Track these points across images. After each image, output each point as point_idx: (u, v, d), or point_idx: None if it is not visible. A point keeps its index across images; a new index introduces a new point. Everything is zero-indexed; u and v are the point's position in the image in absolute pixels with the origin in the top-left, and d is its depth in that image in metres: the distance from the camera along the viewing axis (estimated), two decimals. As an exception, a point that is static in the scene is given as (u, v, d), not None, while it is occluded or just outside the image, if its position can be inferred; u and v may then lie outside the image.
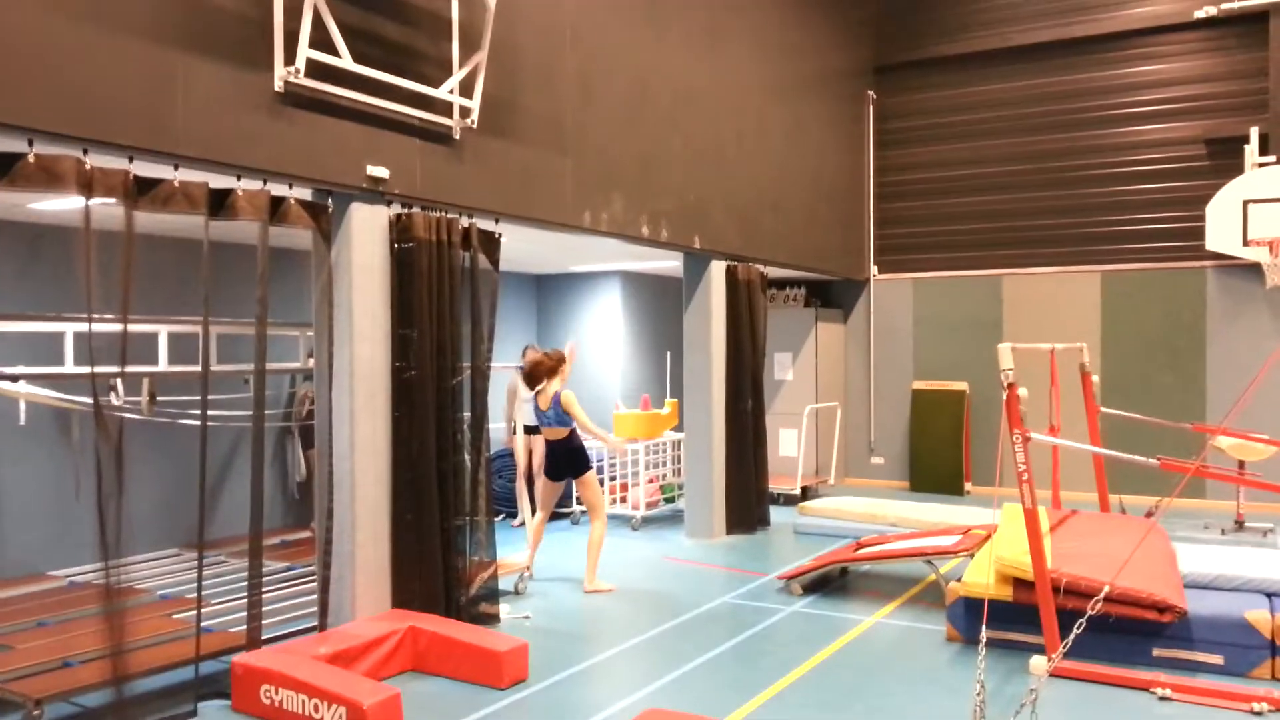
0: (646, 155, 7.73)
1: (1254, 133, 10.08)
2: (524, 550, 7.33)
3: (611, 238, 7.54)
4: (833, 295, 12.38)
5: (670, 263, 9.79)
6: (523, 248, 9.17)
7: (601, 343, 12.01)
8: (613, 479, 9.58)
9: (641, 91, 7.67)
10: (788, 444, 11.24)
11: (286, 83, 4.83)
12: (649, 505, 9.34)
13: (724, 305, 8.95)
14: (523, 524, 8.90)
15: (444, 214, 5.78)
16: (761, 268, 9.52)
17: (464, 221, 5.95)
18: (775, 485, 10.28)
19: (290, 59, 4.82)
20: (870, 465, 12.15)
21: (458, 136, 5.86)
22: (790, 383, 11.57)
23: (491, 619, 5.93)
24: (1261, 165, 9.95)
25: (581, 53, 6.96)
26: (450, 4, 5.76)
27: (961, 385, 11.41)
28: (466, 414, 5.93)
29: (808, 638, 5.78)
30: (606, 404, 11.09)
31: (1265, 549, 7.22)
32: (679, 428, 9.53)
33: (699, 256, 8.73)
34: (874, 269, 12.19)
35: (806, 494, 10.60)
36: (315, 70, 4.94)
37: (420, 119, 5.59)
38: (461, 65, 5.80)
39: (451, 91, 5.73)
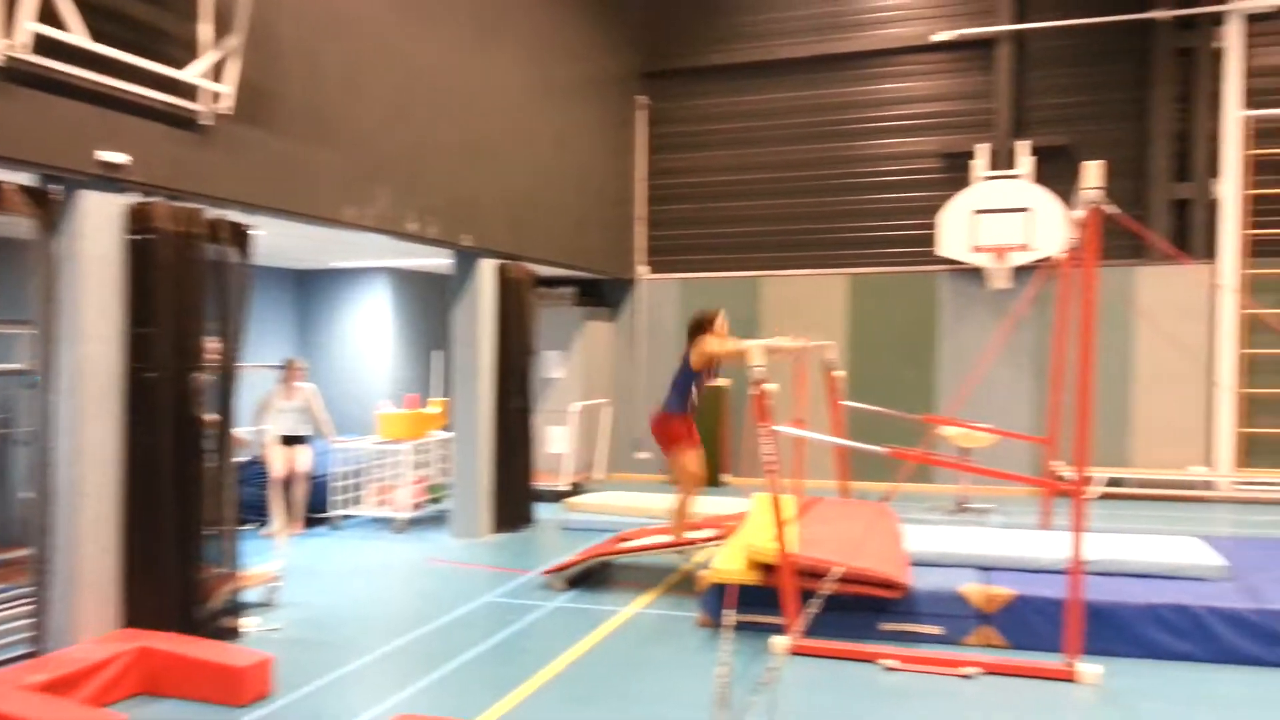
0: (415, 150, 7.59)
1: (981, 149, 11.08)
2: (274, 559, 7.02)
3: (377, 233, 7.35)
4: (603, 294, 12.59)
5: (440, 260, 9.66)
6: (282, 242, 8.81)
7: (368, 341, 11.68)
8: (375, 481, 9.33)
9: (410, 85, 7.52)
10: (557, 441, 11.33)
11: (7, 57, 4.42)
12: (414, 507, 9.16)
13: (493, 303, 8.92)
14: (273, 534, 8.53)
15: (190, 204, 5.44)
16: (532, 266, 9.55)
17: (212, 213, 5.62)
18: (544, 482, 10.34)
19: (10, 30, 4.40)
20: (636, 460, 12.43)
21: (209, 123, 5.54)
22: (560, 381, 11.67)
23: (235, 633, 5.64)
24: (988, 179, 10.95)
25: (347, 42, 6.75)
26: (199, -19, 5.44)
27: (723, 381, 11.88)
28: (211, 417, 5.61)
29: (568, 632, 5.86)
30: (371, 403, 10.80)
31: (982, 527, 7.96)
32: (447, 427, 9.42)
33: (468, 254, 8.66)
34: (643, 269, 12.49)
35: (575, 490, 10.72)
36: (44, 46, 4.55)
37: (165, 103, 5.25)
38: (215, 48, 5.49)
39: (203, 75, 5.40)
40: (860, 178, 11.80)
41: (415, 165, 7.59)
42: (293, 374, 8.91)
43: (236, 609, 5.72)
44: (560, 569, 6.98)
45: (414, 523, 9.22)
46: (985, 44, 11.27)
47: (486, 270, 8.81)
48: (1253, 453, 10.45)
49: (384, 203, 7.18)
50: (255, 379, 8.99)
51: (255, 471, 8.87)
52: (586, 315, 11.79)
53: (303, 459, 8.82)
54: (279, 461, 8.63)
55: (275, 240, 8.51)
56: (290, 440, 8.82)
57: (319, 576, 7.28)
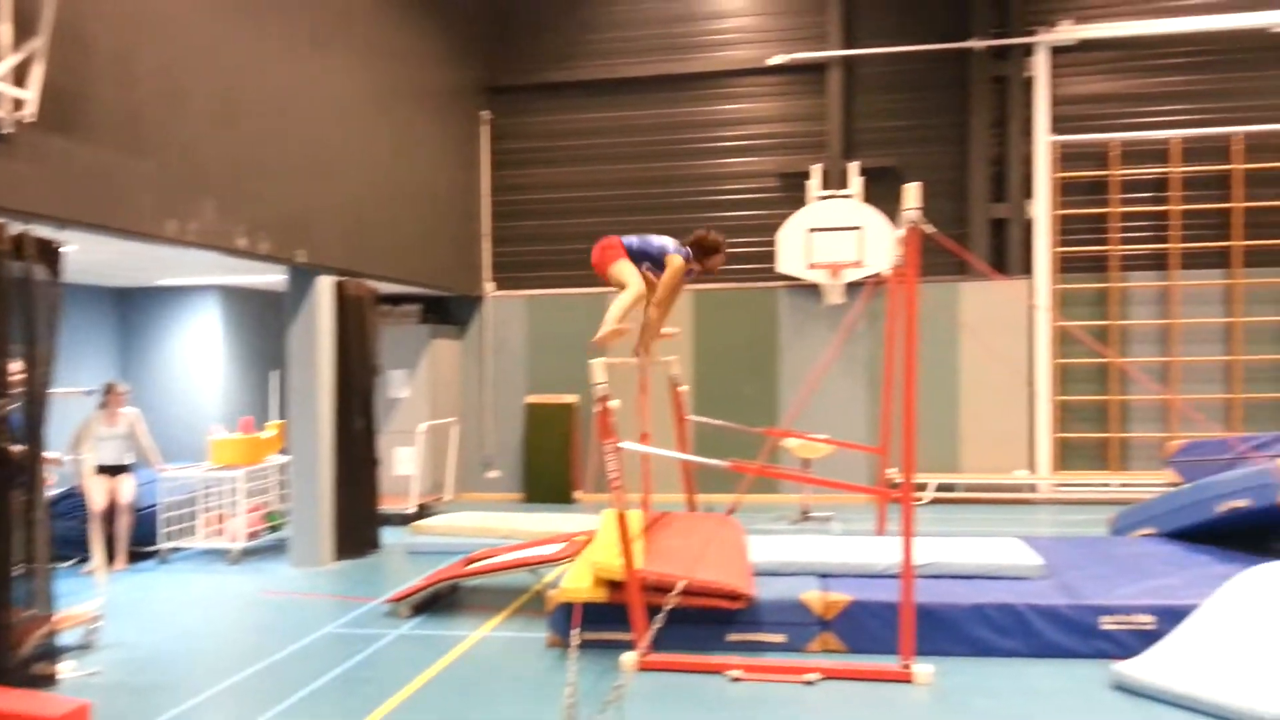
0: (244, 161, 7.27)
1: (815, 169, 11.49)
2: (94, 598, 6.58)
3: (203, 249, 6.99)
4: (449, 311, 12.40)
5: (274, 276, 9.30)
6: (99, 258, 8.30)
7: (198, 363, 11.13)
8: (207, 510, 8.88)
9: (237, 91, 7.20)
10: (403, 462, 11.07)
11: None
12: (250, 536, 8.76)
13: (332, 322, 8.64)
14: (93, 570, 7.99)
15: (-12, 219, 5.05)
16: (372, 283, 9.31)
17: (15, 228, 5.24)
18: (390, 505, 10.09)
19: None
20: (487, 480, 12.29)
21: (10, 131, 5.15)
22: (405, 400, 11.42)
23: (48, 681, 5.24)
24: (821, 198, 11.36)
25: (166, 47, 6.40)
26: (-4, -20, 5.06)
27: (572, 398, 11.90)
28: (18, 447, 5.22)
29: (414, 659, 5.70)
30: (202, 428, 10.27)
31: (822, 536, 8.22)
32: (284, 451, 9.06)
33: (304, 270, 8.36)
34: (490, 286, 12.37)
35: (422, 512, 10.49)
36: None
37: (-46, 109, 4.86)
38: (17, 51, 5.11)
39: (2, 80, 5.02)
40: (702, 196, 12.05)
41: (244, 177, 7.28)
42: (114, 399, 8.40)
43: (52, 654, 5.32)
44: (405, 595, 6.80)
45: (250, 553, 8.81)
46: (818, 68, 11.71)
47: (324, 287, 8.53)
48: (1068, 456, 11.18)
49: (210, 216, 6.84)
50: (71, 405, 8.43)
51: (73, 504, 8.31)
52: (432, 333, 11.58)
53: (125, 489, 8.32)
54: (99, 493, 8.11)
55: (91, 257, 8.01)
56: (111, 470, 8.31)
57: (145, 615, 6.86)
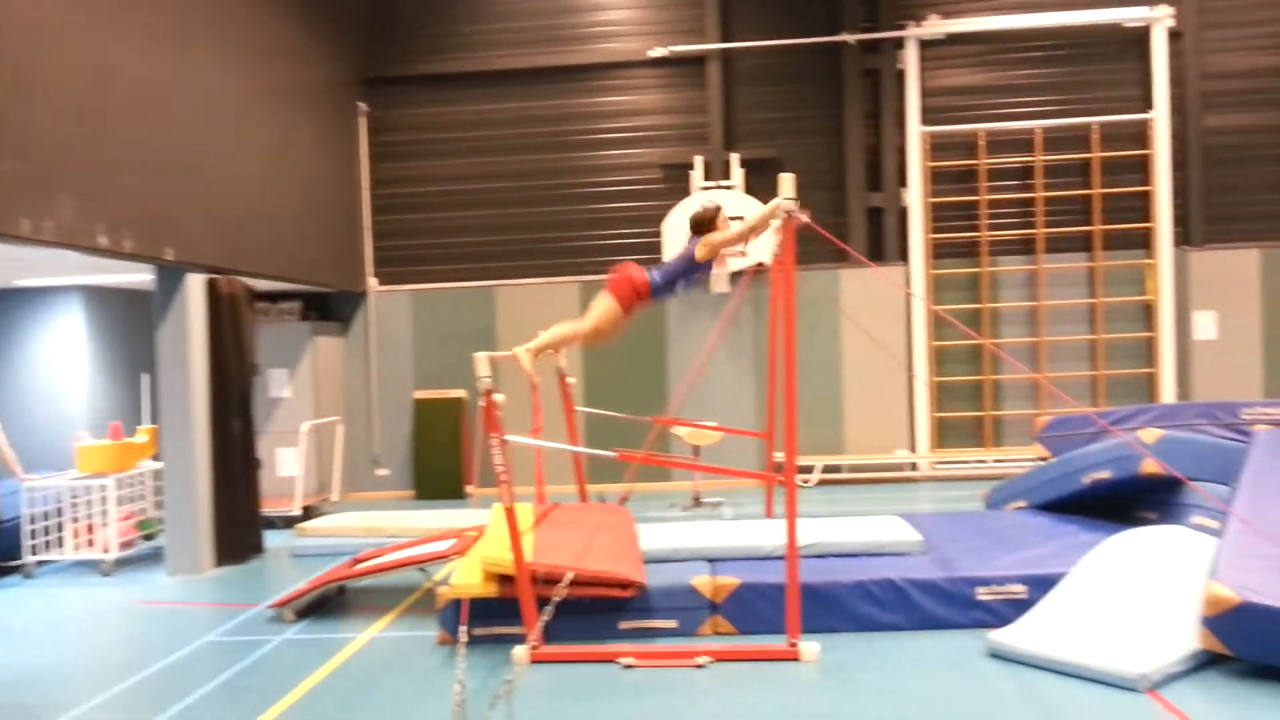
0: (104, 156, 6.90)
1: (698, 161, 11.60)
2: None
3: (61, 248, 6.63)
4: (331, 308, 12.09)
5: (141, 276, 8.91)
6: (-55, 260, 7.81)
7: (61, 366, 10.59)
8: (75, 520, 8.46)
9: (97, 83, 6.83)
10: (286, 464, 10.76)
11: None
12: (123, 546, 8.40)
13: (204, 321, 8.33)
14: None
15: None
16: (248, 280, 9.01)
17: None
18: (273, 508, 9.80)
19: None
20: (375, 478, 12.06)
21: None
22: (288, 400, 11.10)
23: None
24: (704, 189, 11.48)
25: (14, 35, 6.02)
26: None
27: (460, 393, 11.76)
28: None
29: (299, 664, 5.56)
30: (68, 435, 9.79)
31: (714, 521, 8.34)
32: (157, 456, 8.70)
33: (173, 269, 8.03)
34: (372, 281, 12.12)
35: (309, 514, 10.23)
36: None
37: None
38: None
39: None
40: (587, 187, 12.03)
41: (106, 173, 6.92)
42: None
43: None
44: (290, 599, 6.62)
45: (124, 563, 8.45)
46: (698, 61, 11.81)
47: (194, 285, 8.21)
48: (946, 435, 11.60)
49: (68, 214, 6.50)
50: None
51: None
52: (314, 330, 11.27)
53: (-18, 502, 7.88)
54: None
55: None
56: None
57: (10, 632, 6.53)
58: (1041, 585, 5.49)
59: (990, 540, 6.39)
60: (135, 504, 8.91)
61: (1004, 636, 5.11)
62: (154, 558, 8.60)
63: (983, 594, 5.62)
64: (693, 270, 6.22)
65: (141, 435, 8.97)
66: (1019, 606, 5.49)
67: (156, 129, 7.56)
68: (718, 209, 6.30)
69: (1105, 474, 6.65)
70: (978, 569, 5.77)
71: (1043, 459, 7.99)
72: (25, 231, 6.12)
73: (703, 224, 6.27)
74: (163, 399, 8.18)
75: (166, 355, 8.16)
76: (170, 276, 8.11)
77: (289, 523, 9.77)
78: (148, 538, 8.82)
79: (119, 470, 8.52)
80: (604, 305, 6.25)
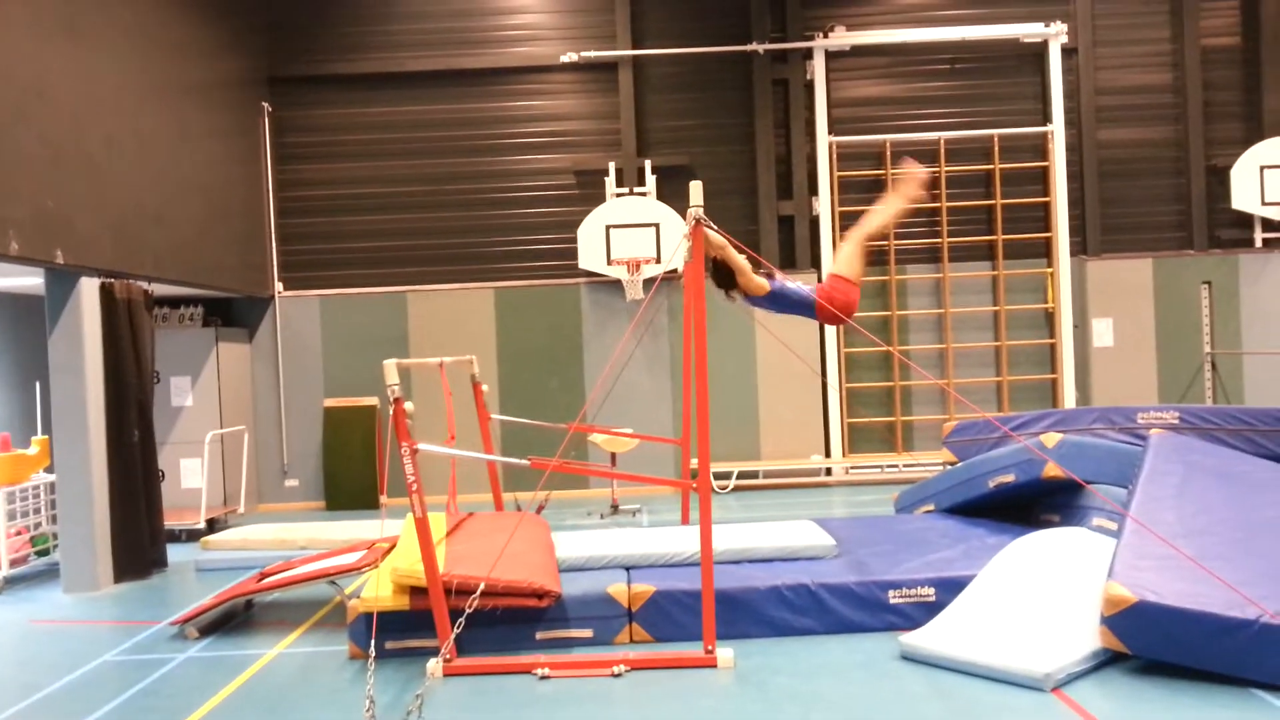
0: (-12, 154, 6.61)
1: (611, 166, 11.62)
2: None
3: (-61, 251, 6.33)
4: (235, 314, 11.75)
5: (31, 279, 8.53)
6: None
7: (-54, 375, 10.08)
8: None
9: (-23, 79, 6.54)
10: (190, 475, 10.44)
11: None
12: (15, 563, 8.02)
13: (99, 327, 8.01)
14: None
15: None
16: (145, 284, 8.69)
17: None
18: (176, 521, 9.48)
19: None
20: (285, 489, 11.76)
21: None
22: (190, 408, 10.75)
23: None
24: (618, 195, 11.50)
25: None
26: None
27: (372, 400, 11.54)
28: None
29: (204, 683, 5.37)
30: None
31: (631, 528, 8.33)
32: (51, 468, 8.33)
33: (64, 273, 7.70)
34: (279, 285, 11.82)
35: (214, 526, 9.92)
36: None
37: None
38: None
39: None
40: (500, 193, 11.95)
41: (-10, 171, 6.62)
42: None
43: None
44: (194, 615, 6.40)
45: (15, 580, 8.07)
46: (610, 67, 11.84)
47: (88, 290, 7.89)
48: (858, 440, 11.82)
49: (-50, 216, 6.19)
50: None
51: None
52: (218, 336, 10.94)
53: None
54: None
55: None
56: None
57: (-115, 657, 6.16)
58: (950, 588, 5.62)
59: (901, 544, 6.52)
60: (28, 518, 8.51)
61: (915, 639, 5.21)
62: (49, 574, 8.23)
63: (894, 597, 5.72)
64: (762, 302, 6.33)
65: (34, 446, 8.57)
66: (929, 609, 5.61)
67: (45, 127, 7.24)
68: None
69: (1009, 478, 6.84)
70: (889, 572, 5.87)
71: (950, 463, 8.19)
72: (-98, 233, 5.80)
73: (729, 275, 6.23)
74: (56, 408, 7.84)
75: (59, 363, 7.82)
76: (62, 280, 7.78)
77: (193, 536, 9.48)
78: (41, 553, 8.44)
79: (10, 483, 8.14)
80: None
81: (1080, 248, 11.87)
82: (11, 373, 10.63)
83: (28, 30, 7.11)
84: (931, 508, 7.63)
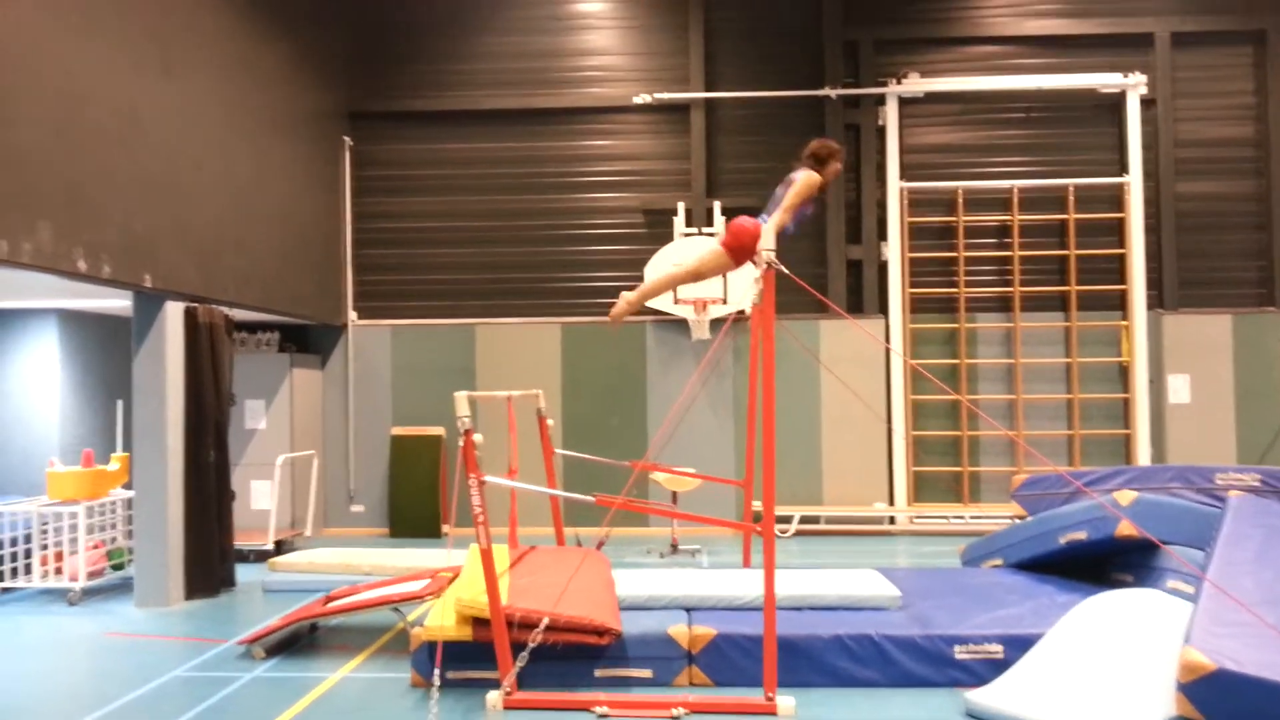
0: (83, 179, 6.87)
1: (680, 207, 11.72)
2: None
3: (38, 271, 6.57)
4: (309, 340, 12.03)
5: (119, 301, 8.84)
6: (-78, 279, 7.72)
7: (34, 391, 10.45)
8: (44, 548, 8.32)
9: (78, 109, 6.81)
10: (260, 497, 10.66)
11: None
12: (92, 575, 8.26)
13: (182, 349, 8.27)
14: None
15: None
16: (226, 310, 8.96)
17: None
18: (245, 542, 9.69)
19: None
20: (350, 514, 11.94)
21: None
22: (263, 431, 11.01)
23: None
24: (686, 235, 11.59)
25: (-6, 56, 6.02)
26: None
27: (438, 430, 11.70)
28: None
29: (269, 703, 5.47)
30: (40, 460, 9.65)
31: (691, 569, 8.30)
32: (129, 485, 8.58)
33: (151, 296, 7.98)
34: (353, 314, 12.08)
35: (281, 548, 10.11)
36: None
37: None
38: None
39: None
40: (570, 229, 12.10)
41: (86, 197, 6.88)
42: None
43: None
44: (261, 636, 6.53)
45: (92, 593, 8.31)
46: (682, 109, 11.97)
47: (172, 313, 8.16)
48: (923, 489, 11.65)
49: (44, 237, 6.43)
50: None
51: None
52: (292, 362, 11.21)
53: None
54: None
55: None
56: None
57: (-30, 662, 6.38)
58: (1018, 645, 5.50)
59: (968, 598, 6.41)
60: (105, 533, 8.77)
61: (981, 696, 5.11)
62: (123, 588, 8.46)
63: (960, 652, 5.62)
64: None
65: (114, 463, 8.85)
66: (996, 666, 5.50)
67: (139, 156, 7.54)
68: (840, 149, 6.27)
69: (1081, 534, 6.70)
70: (955, 627, 5.77)
71: (1019, 517, 8.03)
72: (3, 254, 6.05)
73: (819, 158, 6.20)
74: (137, 427, 8.09)
75: (143, 383, 8.08)
76: (148, 303, 8.06)
77: (261, 557, 9.66)
78: (117, 567, 8.68)
79: (90, 498, 8.41)
80: (710, 250, 6.37)
81: (1157, 301, 11.64)
82: (96, 391, 10.99)
83: (127, 61, 7.44)
84: (999, 562, 7.49)
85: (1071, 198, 11.61)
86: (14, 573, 8.24)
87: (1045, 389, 11.61)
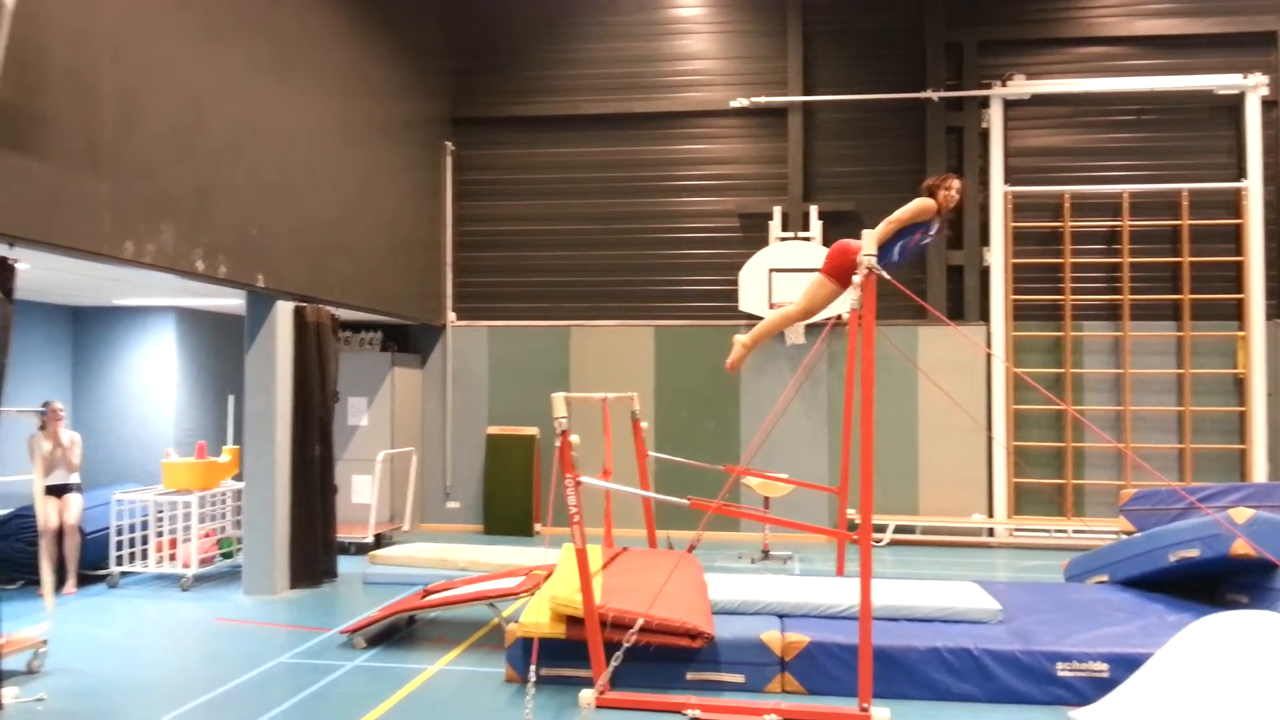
0: (203, 183, 7.19)
1: (777, 211, 11.65)
2: (42, 622, 6.41)
3: (160, 271, 6.89)
4: (410, 340, 12.33)
5: (232, 300, 9.19)
6: (53, 277, 8.16)
7: (152, 385, 10.94)
8: (159, 535, 8.71)
9: (198, 115, 7.13)
10: (361, 491, 10.95)
11: None
12: (203, 562, 8.61)
13: (291, 347, 8.57)
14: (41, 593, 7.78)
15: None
16: (333, 310, 9.25)
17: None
18: (346, 534, 9.97)
19: None
20: (446, 510, 12.20)
21: (-39, 147, 5.07)
22: (365, 428, 11.31)
23: (-8, 706, 5.11)
24: (782, 240, 11.52)
25: (124, 67, 6.32)
26: (-42, -4, 5.00)
27: (533, 430, 11.86)
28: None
29: (368, 693, 5.62)
30: (156, 451, 10.10)
31: (783, 575, 8.25)
32: (239, 476, 8.92)
33: (263, 295, 8.29)
34: (452, 315, 12.33)
35: (380, 542, 10.37)
36: None
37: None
38: (-32, 67, 5.05)
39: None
40: (665, 233, 12.14)
41: (204, 200, 7.19)
42: (52, 418, 8.24)
43: (-7, 680, 5.19)
44: (361, 626, 6.71)
45: (203, 579, 8.66)
46: (779, 112, 11.90)
47: (283, 312, 8.46)
48: (1024, 501, 11.34)
49: (168, 238, 6.76)
50: (20, 424, 8.26)
51: (19, 525, 8.12)
52: (393, 361, 11.51)
53: (72, 509, 8.15)
54: (50, 513, 7.91)
55: (46, 275, 7.88)
56: (56, 490, 8.13)
57: (92, 640, 6.71)
58: (1125, 665, 5.32)
59: (1071, 614, 6.22)
60: (216, 522, 9.14)
61: (1087, 715, 4.96)
62: (231, 576, 8.79)
63: (1063, 669, 5.46)
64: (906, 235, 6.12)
65: (225, 455, 9.21)
66: (1100, 685, 5.33)
67: (252, 160, 7.84)
68: (948, 177, 6.19)
69: (1193, 552, 6.44)
70: (1058, 643, 5.61)
71: (1127, 532, 7.77)
72: (128, 254, 6.38)
73: (931, 188, 6.17)
74: (248, 421, 8.41)
75: (254, 379, 8.39)
76: (260, 303, 8.36)
77: (361, 549, 9.94)
78: (226, 556, 9.02)
79: (202, 488, 8.76)
80: (814, 283, 6.38)
81: (1276, 311, 11.11)
82: (209, 386, 11.45)
83: (245, 71, 7.75)
84: (1105, 578, 7.25)
85: (1185, 203, 11.18)
86: (132, 558, 8.64)
87: (1155, 401, 11.19)
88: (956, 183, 6.17)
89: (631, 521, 10.13)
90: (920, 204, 6.07)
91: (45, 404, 8.33)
